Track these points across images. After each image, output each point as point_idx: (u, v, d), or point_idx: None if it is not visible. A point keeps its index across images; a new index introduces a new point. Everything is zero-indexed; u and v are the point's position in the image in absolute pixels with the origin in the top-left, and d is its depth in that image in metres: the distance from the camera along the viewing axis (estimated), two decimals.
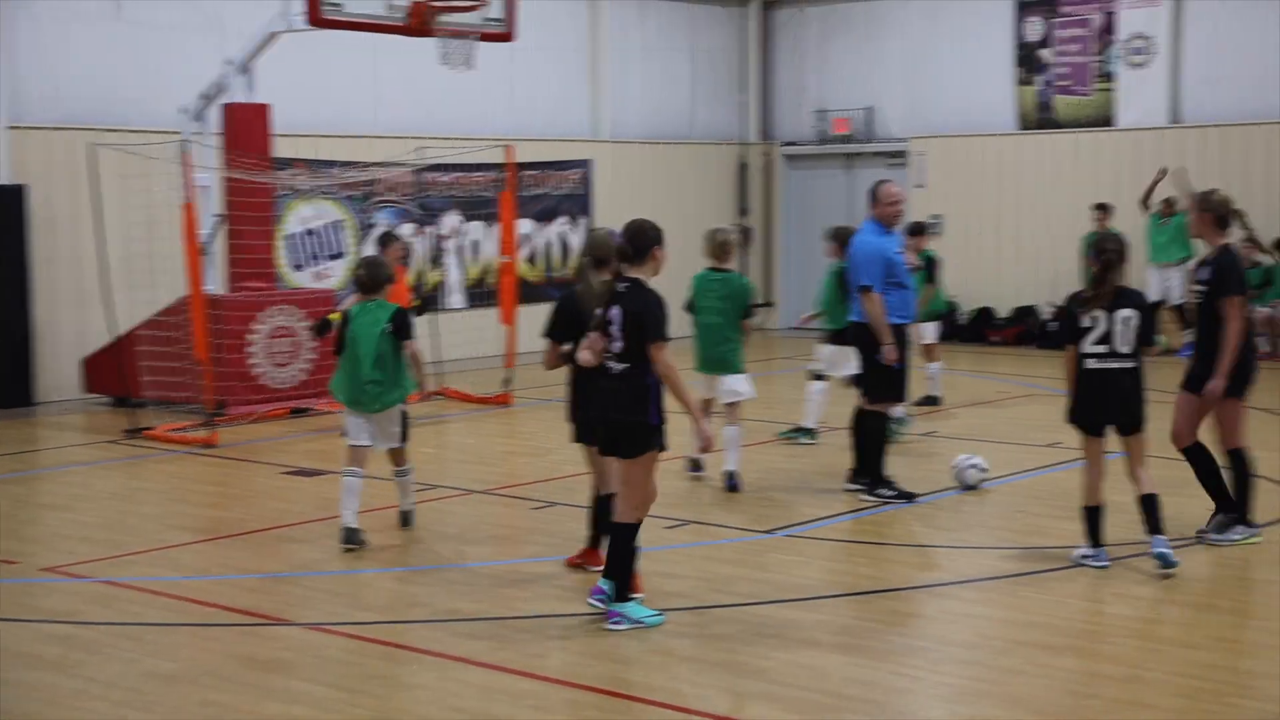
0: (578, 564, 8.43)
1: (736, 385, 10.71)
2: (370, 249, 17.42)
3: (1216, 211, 8.61)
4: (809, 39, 22.90)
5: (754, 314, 10.88)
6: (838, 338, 11.71)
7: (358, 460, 9.28)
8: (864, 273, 9.96)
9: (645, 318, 7.23)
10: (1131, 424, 8.22)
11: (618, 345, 7.31)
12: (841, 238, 11.68)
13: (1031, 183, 20.56)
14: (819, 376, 12.50)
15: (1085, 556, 8.28)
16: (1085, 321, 8.07)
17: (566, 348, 7.96)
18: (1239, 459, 8.75)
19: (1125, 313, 8.05)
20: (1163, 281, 18.56)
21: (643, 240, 7.39)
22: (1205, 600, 7.74)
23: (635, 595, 7.49)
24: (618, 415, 7.34)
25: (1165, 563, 8.06)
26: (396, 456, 9.57)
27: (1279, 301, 18.10)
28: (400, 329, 9.30)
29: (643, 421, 7.29)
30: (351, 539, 9.08)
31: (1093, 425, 8.23)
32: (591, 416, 7.67)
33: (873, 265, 9.92)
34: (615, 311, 7.31)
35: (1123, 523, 9.01)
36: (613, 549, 7.43)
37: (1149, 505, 8.21)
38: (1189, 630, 7.24)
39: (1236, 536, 8.70)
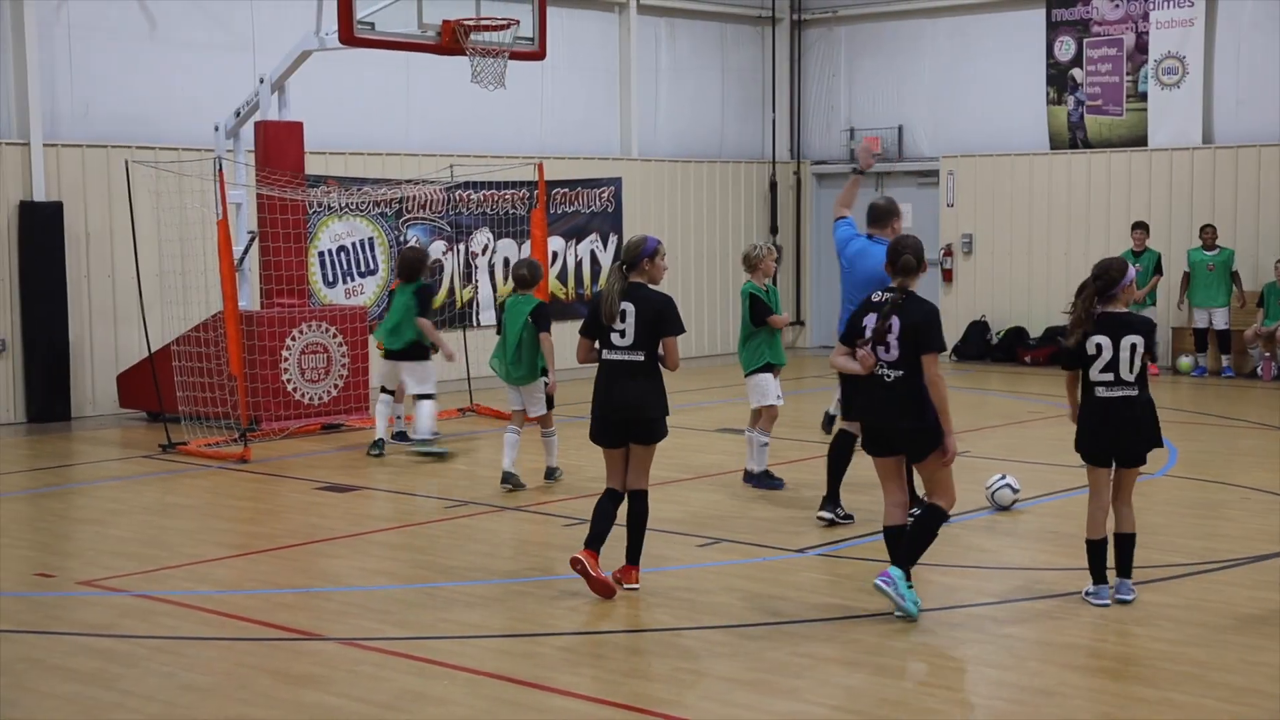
0: (618, 578, 8.45)
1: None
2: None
3: None
4: (839, 58, 22.92)
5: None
6: None
7: (515, 420, 11.57)
8: None
9: (923, 328, 7.67)
10: (1134, 457, 7.95)
11: (894, 354, 7.68)
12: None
13: (1063, 203, 20.51)
14: None
15: (1089, 594, 8.04)
16: (1090, 349, 7.86)
17: (597, 346, 8.41)
18: None
19: (1132, 339, 7.82)
20: (1207, 315, 18.49)
21: (893, 255, 7.87)
22: (1240, 624, 7.69)
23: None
24: (901, 422, 7.73)
25: (1123, 602, 7.98)
26: (542, 420, 11.64)
27: None
28: (538, 320, 11.27)
29: (925, 426, 7.67)
30: (507, 479, 11.38)
31: (1100, 455, 7.98)
32: (866, 423, 7.90)
33: None
34: (894, 321, 7.69)
35: (1154, 544, 9.01)
36: (923, 531, 7.78)
37: (1125, 545, 8.02)
38: (1222, 653, 7.20)
39: None
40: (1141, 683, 6.81)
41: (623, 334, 8.20)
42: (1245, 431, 14.13)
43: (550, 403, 11.65)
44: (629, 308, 8.19)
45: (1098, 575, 8.04)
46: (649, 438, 8.27)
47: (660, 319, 8.20)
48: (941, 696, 6.72)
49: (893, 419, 7.75)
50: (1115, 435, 7.88)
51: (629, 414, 8.21)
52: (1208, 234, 18.40)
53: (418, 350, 13.00)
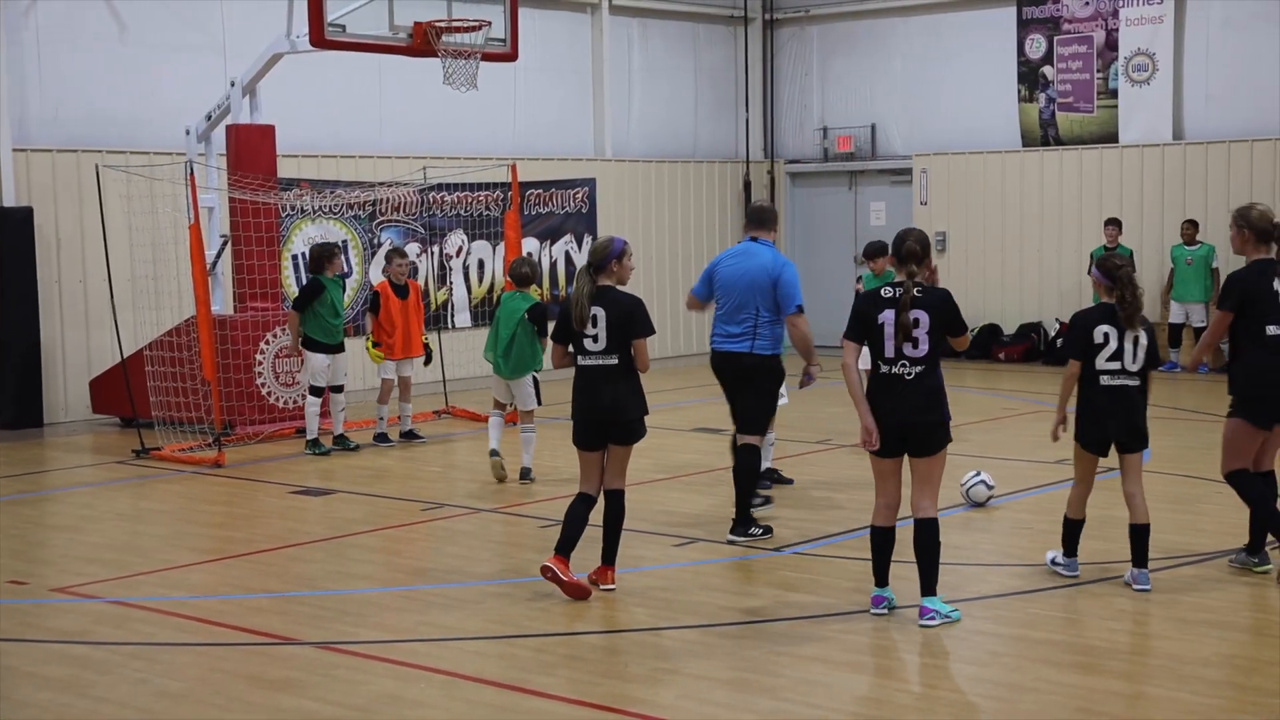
0: (594, 579, 8.43)
1: None
2: (376, 268, 17.53)
3: (1255, 227, 8.33)
4: (811, 57, 22.96)
5: None
6: None
7: (499, 407, 12.01)
8: (799, 293, 9.77)
9: (952, 315, 7.66)
10: (1138, 443, 8.24)
11: (924, 348, 7.57)
12: (884, 251, 12.59)
13: (1035, 200, 20.59)
14: None
15: (1056, 562, 8.47)
16: (1098, 338, 8.10)
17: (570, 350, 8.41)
18: (1235, 483, 8.45)
19: (1135, 332, 8.11)
20: (1184, 310, 18.56)
21: (897, 244, 7.80)
22: (1214, 618, 7.73)
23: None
24: (928, 417, 7.61)
25: (1142, 591, 8.18)
26: (524, 416, 11.88)
27: None
28: (535, 320, 11.67)
29: (944, 420, 7.66)
30: (496, 453, 11.76)
31: (1102, 443, 8.22)
32: (889, 423, 7.61)
33: (799, 289, 9.77)
34: (922, 316, 7.57)
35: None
36: (931, 549, 7.63)
37: (1143, 536, 8.21)
38: (1197, 647, 7.24)
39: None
40: (1117, 677, 6.83)
41: (595, 339, 8.20)
42: (1218, 426, 14.14)
43: (539, 398, 11.94)
44: (599, 312, 8.19)
45: (1070, 548, 8.36)
46: (627, 438, 8.28)
47: (631, 321, 8.20)
48: (918, 693, 6.74)
49: (919, 415, 7.58)
50: (1116, 423, 8.15)
51: (608, 416, 8.22)
52: (1188, 230, 18.49)
53: (305, 342, 13.41)
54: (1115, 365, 8.11)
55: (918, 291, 7.58)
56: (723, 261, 9.93)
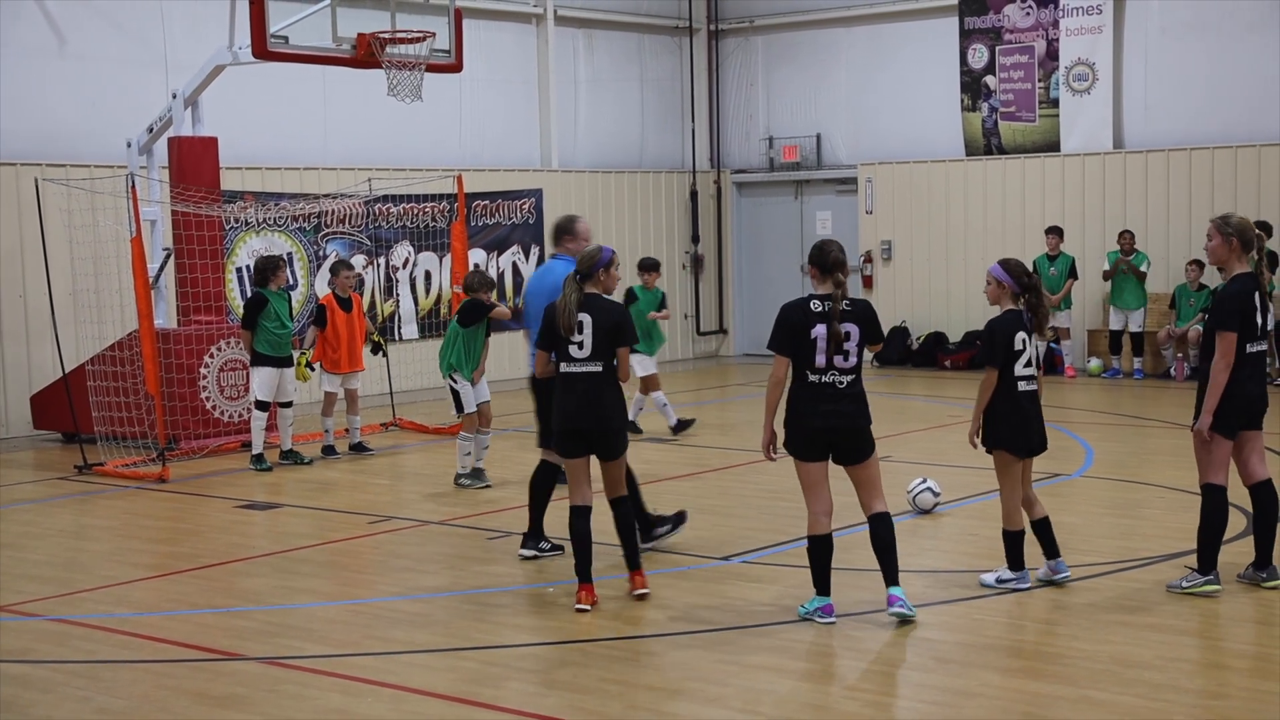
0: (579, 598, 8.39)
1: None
2: (322, 280, 17.45)
3: (1241, 235, 8.01)
4: (756, 67, 23.05)
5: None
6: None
7: (477, 422, 12.10)
8: None
9: (876, 325, 7.80)
10: (1044, 445, 8.41)
11: (854, 360, 7.68)
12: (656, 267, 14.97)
13: (979, 208, 20.75)
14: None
15: (1003, 579, 8.40)
16: (1017, 344, 8.24)
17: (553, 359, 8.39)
18: (1207, 495, 8.09)
19: (1034, 336, 8.34)
20: (1123, 317, 18.75)
21: (822, 256, 7.80)
22: (1157, 622, 7.81)
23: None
24: (861, 423, 7.74)
25: (1062, 578, 8.42)
26: (463, 424, 12.08)
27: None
28: (460, 317, 11.80)
29: (871, 425, 7.81)
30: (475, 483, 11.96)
31: (1026, 448, 8.29)
32: (821, 428, 7.67)
33: None
34: (852, 329, 7.66)
35: (1073, 544, 9.13)
36: (890, 542, 7.75)
37: (1049, 528, 8.42)
38: (1140, 650, 7.30)
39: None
40: (1061, 681, 6.88)
41: (581, 345, 8.22)
42: (1159, 431, 14.34)
43: (459, 407, 11.96)
44: (586, 319, 8.22)
45: (1020, 563, 8.37)
46: (614, 452, 8.32)
47: (619, 329, 8.27)
48: (865, 700, 6.76)
49: (853, 420, 7.71)
50: (1035, 427, 8.30)
51: (591, 425, 8.22)
52: (1125, 239, 18.66)
53: (253, 358, 13.42)
54: (1030, 371, 8.28)
55: (846, 305, 7.68)
56: (528, 283, 9.95)
